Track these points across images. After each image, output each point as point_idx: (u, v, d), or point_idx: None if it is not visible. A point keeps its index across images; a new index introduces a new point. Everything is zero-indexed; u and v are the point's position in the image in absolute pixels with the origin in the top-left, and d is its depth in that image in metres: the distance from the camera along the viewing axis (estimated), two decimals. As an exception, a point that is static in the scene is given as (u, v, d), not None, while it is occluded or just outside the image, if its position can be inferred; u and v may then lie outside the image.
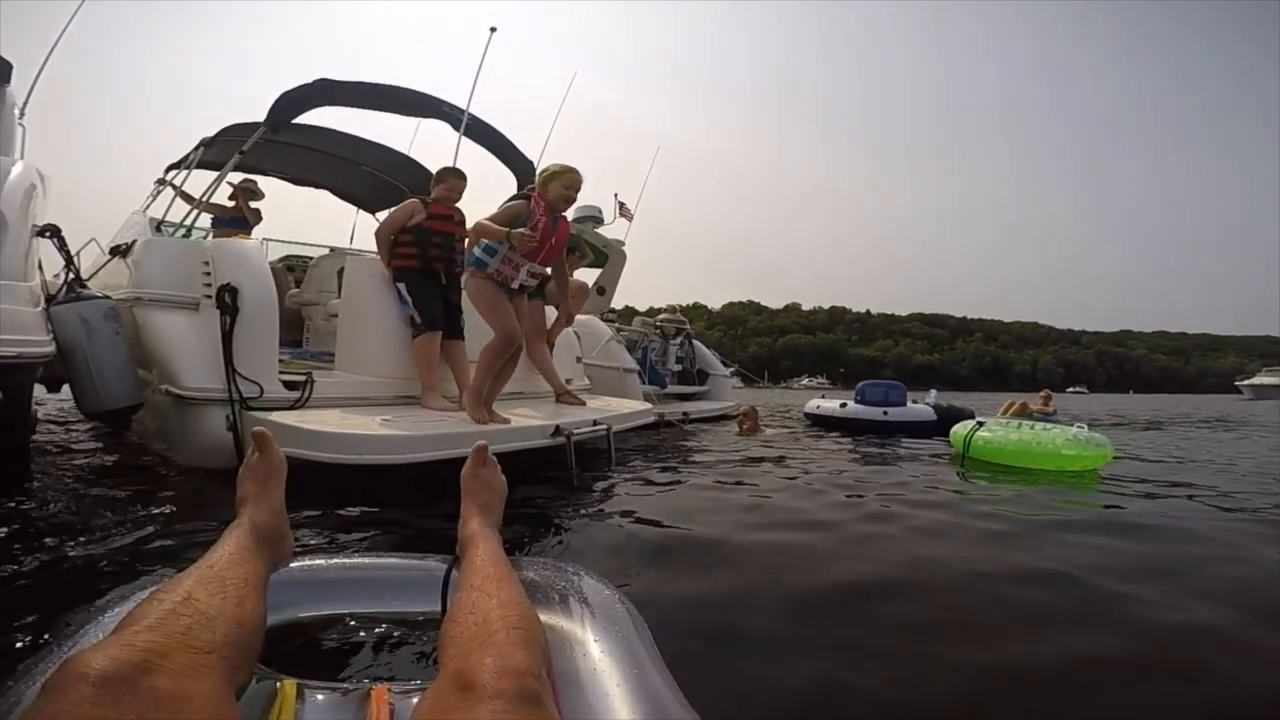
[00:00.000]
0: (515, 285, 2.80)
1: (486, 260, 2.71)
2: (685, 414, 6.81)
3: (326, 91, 3.44)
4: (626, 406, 3.86)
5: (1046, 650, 1.34)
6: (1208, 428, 9.97)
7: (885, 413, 6.37)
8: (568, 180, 2.77)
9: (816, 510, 2.42)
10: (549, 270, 3.15)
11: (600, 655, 0.89)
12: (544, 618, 0.95)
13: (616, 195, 7.43)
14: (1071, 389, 74.29)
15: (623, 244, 7.55)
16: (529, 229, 2.60)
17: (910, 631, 1.37)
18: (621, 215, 7.39)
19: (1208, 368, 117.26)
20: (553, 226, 2.79)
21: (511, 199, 2.79)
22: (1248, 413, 16.08)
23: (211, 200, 4.13)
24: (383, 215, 4.77)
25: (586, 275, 7.52)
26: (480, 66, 4.41)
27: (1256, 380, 38.91)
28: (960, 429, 4.21)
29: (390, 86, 3.75)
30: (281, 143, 4.17)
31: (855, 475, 3.27)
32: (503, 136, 4.49)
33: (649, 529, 2.04)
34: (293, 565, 1.09)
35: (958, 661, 1.26)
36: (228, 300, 2.46)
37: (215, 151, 3.84)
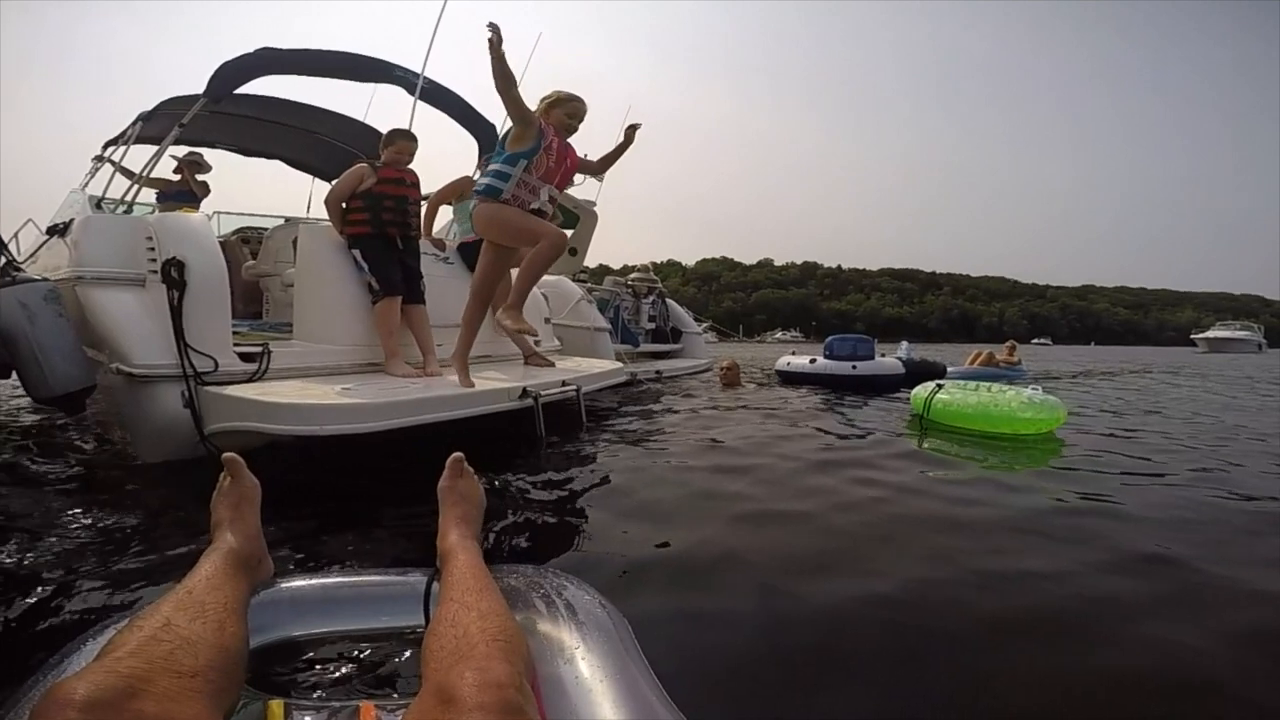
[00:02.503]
0: (534, 208, 2.61)
1: (499, 185, 2.52)
2: (659, 372, 6.85)
3: (268, 60, 3.34)
4: (597, 366, 3.88)
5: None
6: (1168, 376, 10.45)
7: (854, 367, 6.44)
8: (571, 108, 2.64)
9: (785, 490, 2.35)
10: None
11: (584, 660, 0.91)
12: (527, 625, 0.98)
13: (585, 155, 7.27)
14: (1036, 340, 76.56)
15: (594, 204, 7.46)
16: (544, 149, 2.50)
17: (894, 634, 1.34)
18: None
19: (1166, 322, 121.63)
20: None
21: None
22: (1202, 364, 16.97)
23: (153, 175, 3.98)
24: (340, 183, 4.63)
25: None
26: (436, 28, 4.23)
27: (1211, 334, 40.25)
28: (921, 391, 4.26)
29: (337, 52, 3.66)
30: (227, 114, 4.07)
31: (823, 451, 3.09)
32: (462, 100, 4.37)
33: (623, 514, 2.01)
34: (276, 586, 1.09)
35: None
36: (174, 274, 2.38)
37: (154, 126, 3.71)
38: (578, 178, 7.54)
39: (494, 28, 2.25)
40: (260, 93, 3.90)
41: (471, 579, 0.93)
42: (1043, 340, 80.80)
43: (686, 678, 1.10)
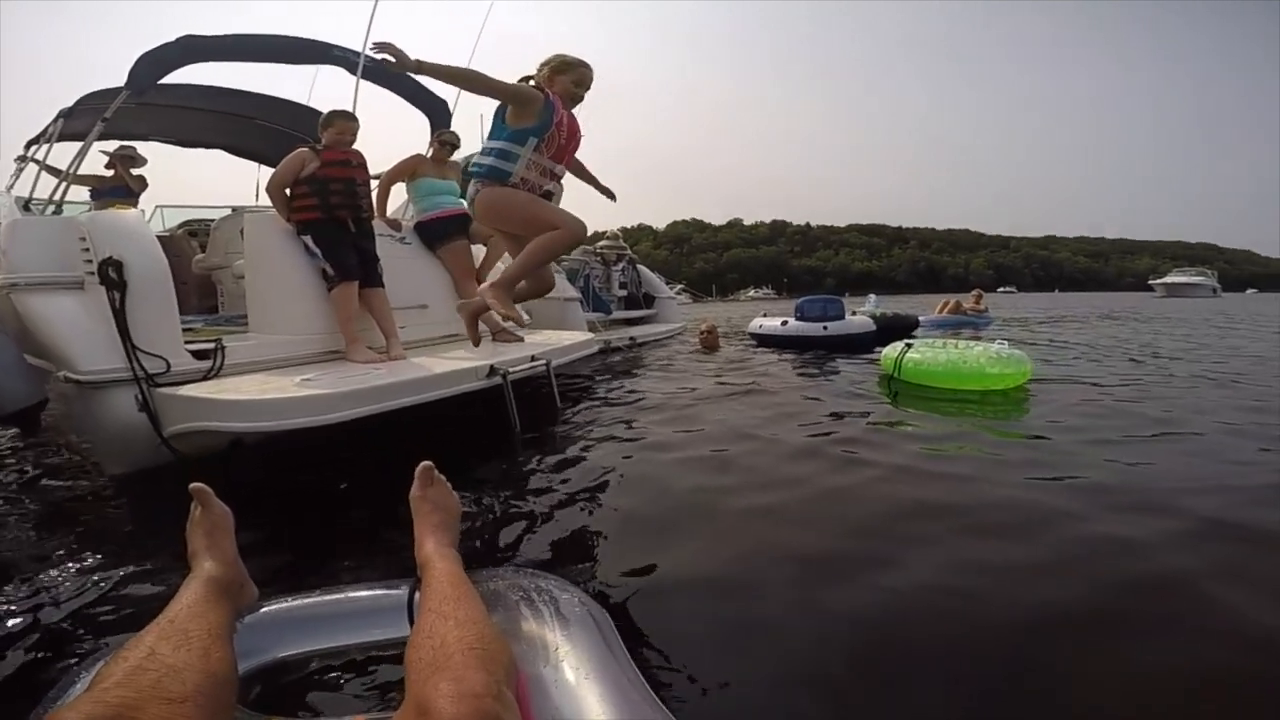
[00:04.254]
0: (544, 191, 2.29)
1: (506, 168, 2.17)
2: (632, 339, 6.85)
3: (192, 49, 3.18)
4: (567, 338, 3.84)
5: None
6: (1133, 320, 10.75)
7: (825, 328, 6.46)
8: (578, 75, 2.28)
9: (770, 475, 2.29)
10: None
11: (567, 660, 0.91)
12: (510, 628, 0.98)
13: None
14: (1002, 289, 78.50)
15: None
16: (555, 125, 2.16)
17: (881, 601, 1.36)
18: None
19: (1125, 269, 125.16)
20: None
21: (521, 80, 2.25)
22: (1159, 308, 17.64)
23: (85, 172, 3.81)
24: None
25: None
26: (375, 4, 4.03)
27: (1168, 279, 41.81)
28: (891, 351, 4.29)
29: (267, 36, 3.51)
30: (158, 105, 3.91)
31: (805, 427, 2.95)
32: (409, 77, 4.20)
33: (603, 507, 1.99)
34: (262, 609, 1.09)
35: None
36: (112, 275, 2.28)
37: (78, 122, 3.54)
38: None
39: (382, 47, 1.97)
40: (191, 82, 3.76)
41: (449, 587, 0.93)
42: (1008, 289, 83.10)
43: (671, 673, 1.11)
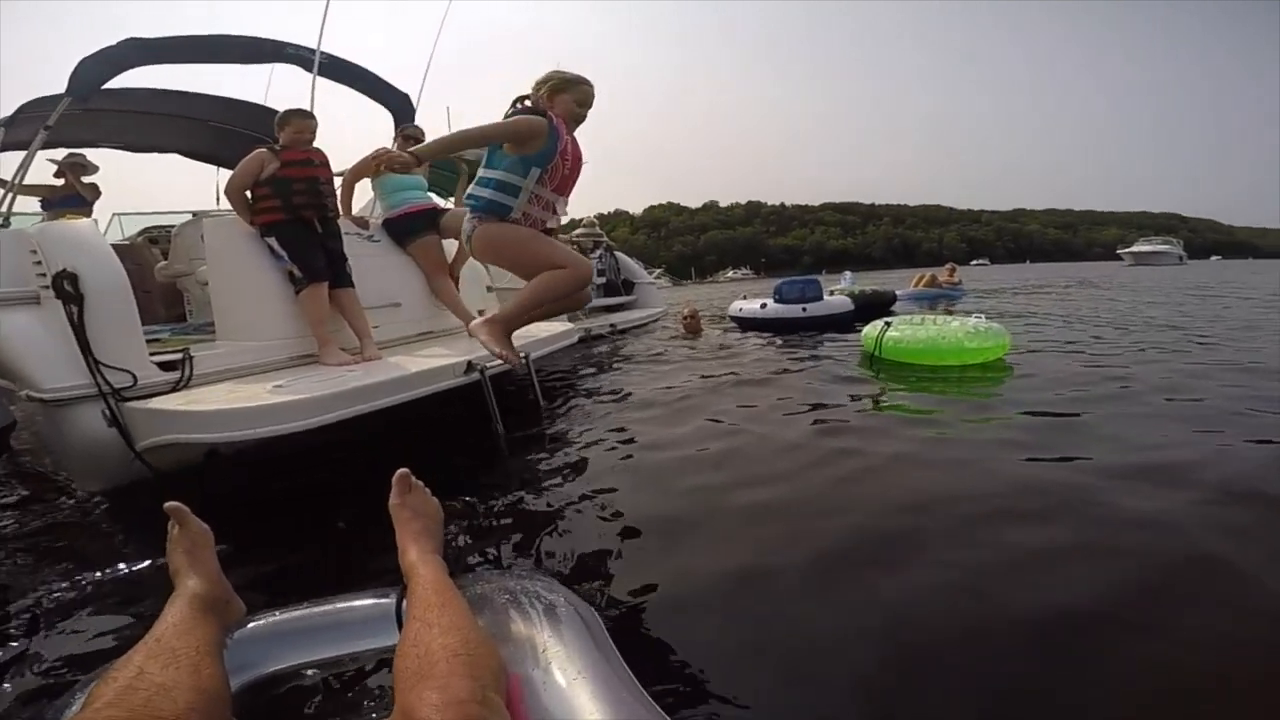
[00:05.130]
0: (549, 227, 2.12)
1: (506, 202, 2.00)
2: (613, 325, 6.84)
3: (135, 52, 3.08)
4: (546, 330, 3.81)
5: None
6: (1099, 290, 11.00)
7: (804, 309, 6.53)
8: (580, 94, 2.10)
9: (758, 456, 2.28)
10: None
11: (557, 660, 0.91)
12: (499, 631, 0.98)
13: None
14: (975, 262, 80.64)
15: None
16: (560, 154, 1.99)
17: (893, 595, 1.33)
18: None
19: (1094, 239, 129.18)
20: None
21: (515, 110, 2.05)
22: (1127, 277, 18.24)
23: (29, 182, 3.68)
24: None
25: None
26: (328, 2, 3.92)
27: (1136, 248, 42.99)
28: (871, 330, 4.35)
29: (215, 36, 3.42)
30: (106, 110, 3.79)
31: (794, 417, 2.91)
32: (368, 72, 4.16)
33: (589, 505, 1.96)
34: (253, 623, 1.08)
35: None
36: (68, 288, 2.21)
37: (20, 131, 3.42)
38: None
39: (382, 154, 1.88)
40: (140, 85, 3.66)
41: (433, 594, 0.93)
42: (981, 261, 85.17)
43: (665, 672, 1.12)
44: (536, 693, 0.86)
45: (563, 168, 2.04)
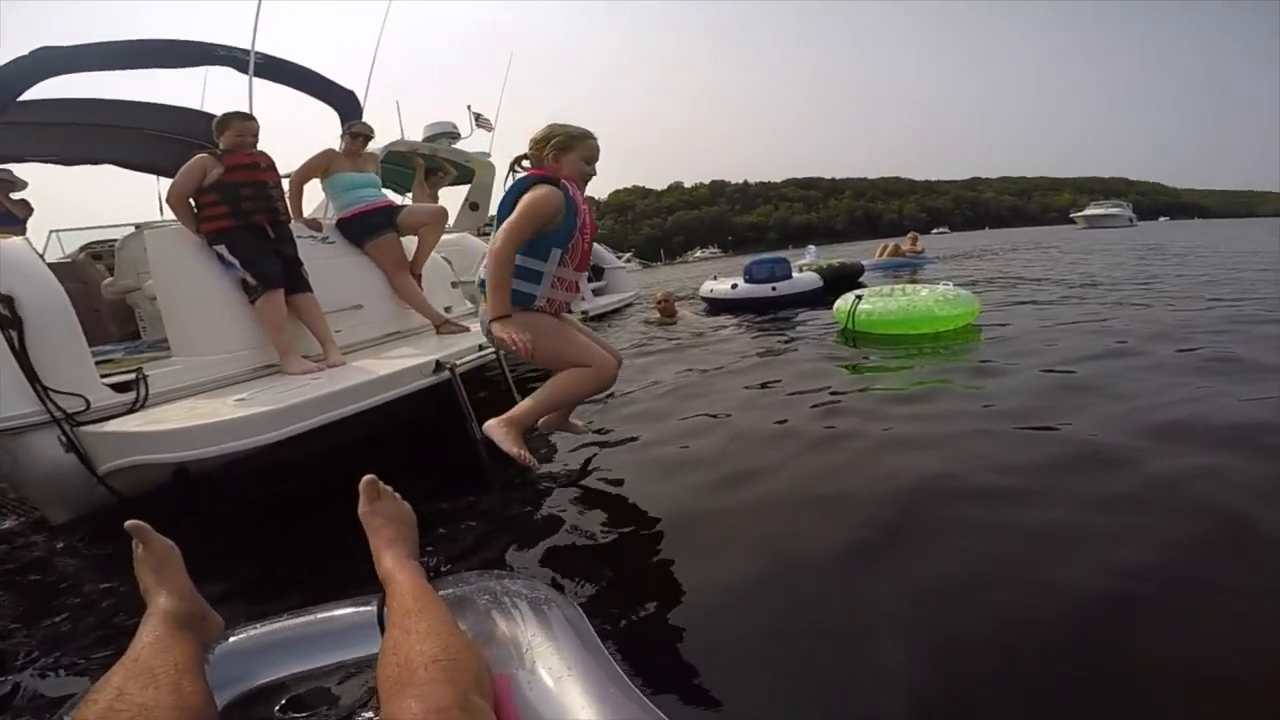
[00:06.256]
0: (573, 309, 2.00)
1: (529, 290, 1.83)
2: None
3: (50, 61, 2.96)
4: (515, 321, 3.76)
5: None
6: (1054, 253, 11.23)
7: (774, 289, 6.58)
8: (588, 150, 1.92)
9: (746, 448, 2.21)
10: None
11: (541, 659, 0.91)
12: (483, 632, 0.97)
13: (470, 107, 7.03)
14: (936, 231, 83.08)
15: (488, 155, 7.20)
16: (579, 229, 1.84)
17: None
18: (479, 127, 7.07)
19: (1048, 204, 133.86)
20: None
21: (522, 180, 1.86)
22: (1083, 240, 18.66)
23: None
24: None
25: (456, 194, 7.17)
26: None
27: (1089, 212, 44.49)
28: (842, 304, 4.41)
29: (137, 41, 3.29)
30: (29, 124, 3.64)
31: (781, 404, 2.87)
32: (308, 71, 4.03)
33: (571, 501, 1.94)
34: (236, 636, 1.07)
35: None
36: (4, 311, 2.10)
37: None
38: (463, 128, 7.22)
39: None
40: (64, 95, 3.53)
41: (410, 601, 0.93)
42: (941, 230, 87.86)
43: (659, 669, 1.11)
44: (525, 692, 0.86)
45: (582, 243, 1.89)
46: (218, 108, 3.34)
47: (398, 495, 1.22)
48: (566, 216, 1.82)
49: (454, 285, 4.21)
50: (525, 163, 1.96)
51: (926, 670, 1.04)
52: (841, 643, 1.14)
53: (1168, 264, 8.06)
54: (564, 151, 1.89)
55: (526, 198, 1.78)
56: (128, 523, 1.09)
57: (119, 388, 2.28)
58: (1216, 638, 1.06)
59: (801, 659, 1.12)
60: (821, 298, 6.33)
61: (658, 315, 6.27)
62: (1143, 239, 17.08)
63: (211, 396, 2.37)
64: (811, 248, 10.10)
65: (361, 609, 1.10)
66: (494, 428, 1.87)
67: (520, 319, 1.79)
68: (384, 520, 1.16)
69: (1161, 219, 77.79)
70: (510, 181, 1.93)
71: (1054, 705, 0.97)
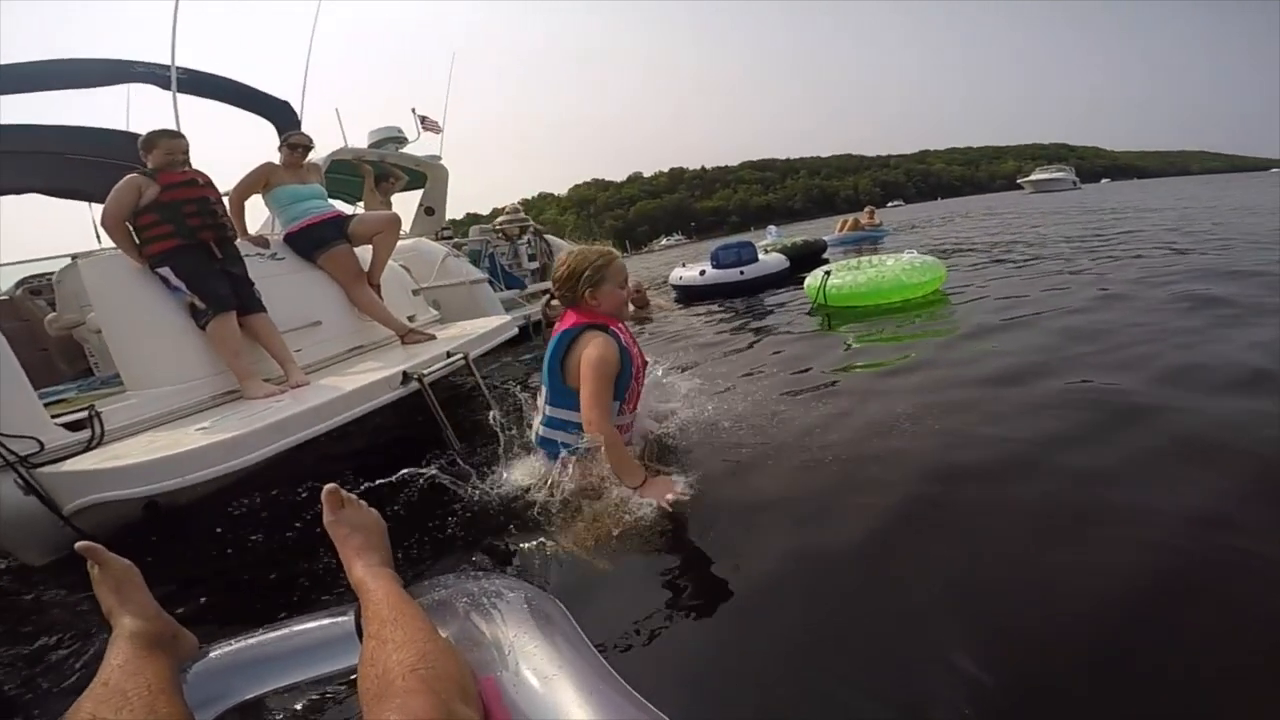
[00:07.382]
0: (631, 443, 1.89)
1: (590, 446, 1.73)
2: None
3: None
4: (482, 326, 3.72)
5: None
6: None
7: (741, 272, 6.63)
8: (618, 273, 1.79)
9: (735, 443, 2.07)
10: None
11: (528, 658, 0.90)
12: (466, 635, 0.97)
13: (415, 110, 6.88)
14: (891, 204, 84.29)
15: (439, 158, 7.06)
16: (635, 375, 1.74)
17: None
18: (426, 129, 6.91)
19: (995, 172, 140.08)
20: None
21: (568, 332, 1.76)
22: (1030, 204, 19.45)
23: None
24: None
25: (409, 199, 7.04)
26: (176, 7, 3.60)
27: (1034, 177, 46.15)
28: (812, 281, 4.49)
29: (44, 61, 3.15)
30: None
31: (764, 376, 2.89)
32: (236, 83, 3.88)
33: (551, 501, 1.83)
34: (214, 653, 1.05)
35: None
36: (-62, 360, 2.01)
37: None
38: (410, 132, 7.08)
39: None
40: None
41: (386, 609, 0.91)
42: (896, 203, 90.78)
43: (653, 664, 1.09)
44: (514, 694, 0.86)
45: (637, 388, 1.77)
46: (144, 128, 3.22)
47: (363, 503, 1.20)
48: (623, 366, 1.72)
49: (415, 293, 4.14)
50: (555, 302, 1.85)
51: (970, 661, 0.98)
52: (827, 635, 1.12)
53: (1124, 220, 8.33)
54: (598, 285, 1.77)
55: (590, 359, 1.66)
56: (78, 544, 1.06)
57: (73, 426, 2.19)
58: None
59: (801, 654, 1.08)
60: (790, 277, 6.39)
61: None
62: (1089, 201, 17.64)
63: (172, 428, 2.30)
64: (773, 228, 10.26)
65: (336, 620, 1.09)
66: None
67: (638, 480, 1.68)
68: (350, 529, 1.13)
69: (1103, 181, 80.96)
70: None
71: (1122, 682, 0.90)
